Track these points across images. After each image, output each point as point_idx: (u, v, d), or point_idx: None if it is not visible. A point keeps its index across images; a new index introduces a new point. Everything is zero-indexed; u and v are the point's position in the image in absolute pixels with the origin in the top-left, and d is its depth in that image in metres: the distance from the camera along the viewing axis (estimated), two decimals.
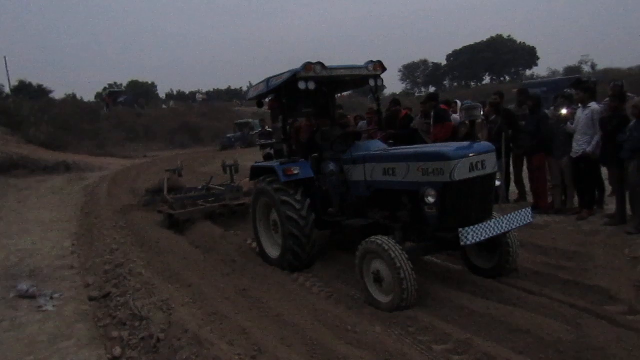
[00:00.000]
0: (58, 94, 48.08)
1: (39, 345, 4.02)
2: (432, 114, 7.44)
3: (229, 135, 30.45)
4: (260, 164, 6.26)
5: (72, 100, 39.43)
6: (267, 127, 17.27)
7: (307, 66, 5.08)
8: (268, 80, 5.71)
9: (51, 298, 5.12)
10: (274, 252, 5.78)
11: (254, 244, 6.44)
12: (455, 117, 7.67)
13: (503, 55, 65.51)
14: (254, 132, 29.88)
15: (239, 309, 4.46)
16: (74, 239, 7.95)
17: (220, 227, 7.80)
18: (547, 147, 6.69)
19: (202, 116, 37.46)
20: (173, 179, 10.13)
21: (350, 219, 5.17)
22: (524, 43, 67.64)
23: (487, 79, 69.86)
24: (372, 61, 5.49)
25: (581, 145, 6.21)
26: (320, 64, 5.14)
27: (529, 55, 67.19)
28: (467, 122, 5.77)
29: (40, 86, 50.50)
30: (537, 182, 7.01)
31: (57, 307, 4.88)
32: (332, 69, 5.28)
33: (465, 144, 4.28)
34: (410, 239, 4.50)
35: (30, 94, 43.34)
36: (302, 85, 5.08)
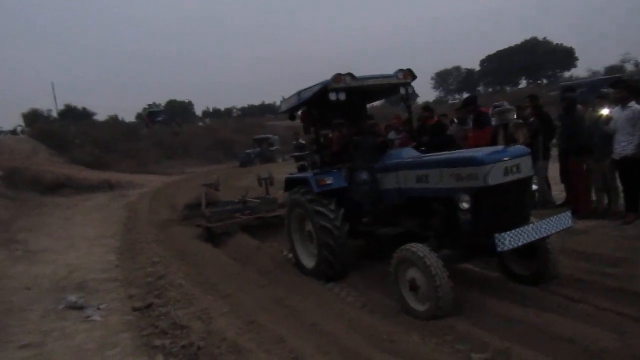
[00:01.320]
0: (101, 116, 50.29)
1: (87, 353, 4.21)
2: (472, 117, 7.30)
3: (247, 151, 29.81)
4: (294, 175, 6.36)
5: (114, 121, 41.25)
6: (300, 140, 17.32)
7: (337, 77, 5.17)
8: (299, 93, 5.84)
9: (98, 309, 5.34)
10: (309, 262, 5.83)
11: (290, 255, 6.51)
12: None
13: (539, 58, 63.79)
14: (273, 148, 29.93)
15: (275, 319, 4.53)
16: (117, 253, 8.27)
17: (256, 239, 7.95)
18: (585, 149, 6.48)
19: (236, 132, 38.34)
20: (210, 194, 10.39)
21: (384, 228, 5.17)
22: (561, 44, 65.72)
23: (523, 83, 68.20)
24: (401, 70, 5.52)
25: (624, 146, 5.98)
26: (350, 74, 5.22)
27: (566, 57, 65.17)
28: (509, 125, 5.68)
29: (84, 109, 53.04)
30: (575, 186, 6.79)
31: (103, 318, 5.10)
32: (361, 79, 5.35)
33: (500, 148, 4.23)
34: (444, 247, 4.42)
35: (75, 116, 45.57)
36: (332, 96, 5.16)
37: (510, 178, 4.00)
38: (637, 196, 6.16)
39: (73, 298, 5.67)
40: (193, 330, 4.15)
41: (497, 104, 8.49)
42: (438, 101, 63.25)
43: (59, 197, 17.02)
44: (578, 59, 64.91)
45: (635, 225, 5.94)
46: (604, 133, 6.24)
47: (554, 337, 3.50)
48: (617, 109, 6.16)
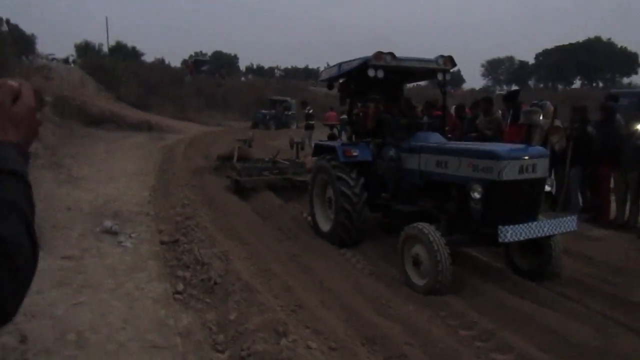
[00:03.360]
0: (148, 57, 51.17)
1: (118, 272, 4.71)
2: (511, 112, 7.32)
3: (263, 111, 27.15)
4: (323, 142, 6.65)
5: (160, 64, 42.02)
6: (308, 109, 16.89)
7: (378, 55, 5.34)
8: (340, 64, 6.03)
9: (130, 237, 5.87)
10: (325, 226, 6.19)
11: (309, 217, 6.88)
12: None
13: (599, 59, 60.77)
14: (289, 113, 27.23)
15: (287, 271, 4.93)
16: (151, 190, 8.81)
17: (281, 199, 8.31)
18: (615, 159, 6.48)
19: (278, 92, 38.47)
20: (243, 149, 10.79)
21: (401, 205, 5.45)
22: (625, 48, 62.35)
23: (577, 83, 65.39)
24: (442, 56, 5.64)
25: None
26: (390, 54, 5.38)
27: (628, 61, 61.87)
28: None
29: (134, 48, 53.99)
30: (600, 195, 6.83)
31: (134, 245, 5.61)
32: (401, 59, 5.49)
33: (520, 146, 4.41)
34: (454, 230, 4.69)
35: (124, 54, 46.57)
36: (371, 72, 5.35)
37: (524, 176, 4.20)
38: None
39: (109, 223, 6.20)
40: (212, 267, 4.58)
41: (539, 102, 8.43)
42: (484, 90, 61.40)
43: (101, 130, 17.78)
44: None
45: None
46: (635, 145, 6.23)
47: (539, 327, 3.75)
48: None
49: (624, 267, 5.13)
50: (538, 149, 4.47)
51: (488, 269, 5.18)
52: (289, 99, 28.96)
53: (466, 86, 66.66)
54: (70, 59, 40.84)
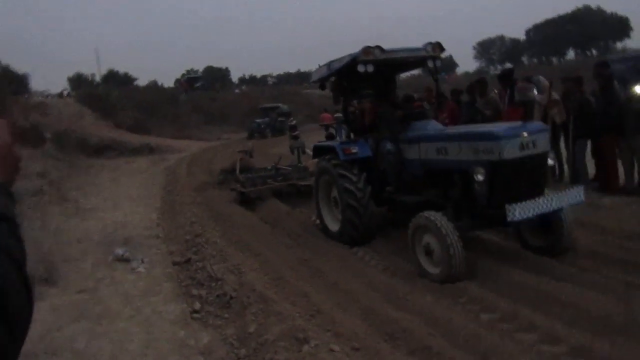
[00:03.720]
0: (142, 81, 51.64)
1: (134, 298, 4.73)
2: (508, 91, 7.24)
3: (258, 120, 26.66)
4: (322, 143, 6.65)
5: (153, 86, 42.32)
6: (291, 120, 16.73)
7: (366, 50, 5.33)
8: (330, 63, 6.04)
9: (142, 261, 5.88)
10: (334, 226, 6.17)
11: (317, 221, 6.86)
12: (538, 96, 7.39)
13: (590, 27, 60.38)
14: (283, 119, 25.67)
15: (300, 276, 4.91)
16: (158, 212, 8.85)
17: (287, 205, 8.30)
18: (617, 127, 6.41)
19: (272, 99, 38.58)
20: (245, 160, 10.81)
21: (406, 196, 5.43)
22: (615, 13, 61.93)
23: (571, 54, 65.05)
24: (430, 43, 5.62)
25: None
26: (378, 47, 5.37)
27: (620, 27, 61.44)
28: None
29: (126, 74, 54.50)
30: (605, 163, 6.76)
31: (146, 269, 5.63)
32: (390, 51, 5.47)
33: (518, 123, 4.36)
34: (461, 215, 4.66)
35: (117, 81, 46.96)
36: (361, 68, 5.33)
37: (526, 153, 4.16)
38: None
39: (120, 251, 6.23)
40: (226, 282, 4.58)
41: (532, 78, 8.35)
42: (478, 72, 61.23)
43: (103, 159, 17.92)
44: (632, 29, 61.04)
45: None
46: (637, 110, 6.17)
47: (561, 302, 3.71)
48: None
49: (637, 232, 5.08)
50: (536, 124, 4.43)
51: (501, 250, 5.13)
52: (280, 104, 28.51)
53: (460, 70, 66.64)
54: (65, 93, 41.23)
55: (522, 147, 4.14)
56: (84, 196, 10.76)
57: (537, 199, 4.11)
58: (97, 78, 47.54)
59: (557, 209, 4.26)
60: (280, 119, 26.45)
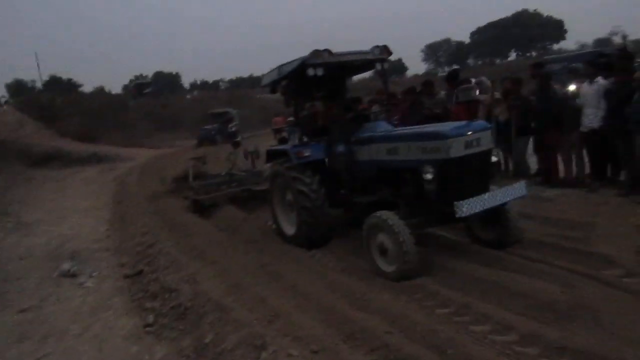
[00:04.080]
0: (87, 88, 49.63)
1: (82, 315, 4.51)
2: (456, 92, 7.45)
3: (207, 127, 24.80)
4: (274, 147, 6.61)
5: (100, 93, 40.77)
6: (231, 126, 15.74)
7: (315, 53, 5.36)
8: (280, 67, 6.00)
9: (90, 276, 5.63)
10: (290, 230, 6.13)
11: (273, 225, 6.80)
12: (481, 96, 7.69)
13: (529, 30, 63.65)
14: (232, 124, 24.60)
15: (258, 282, 4.84)
16: (108, 224, 8.51)
17: (243, 211, 8.18)
18: (557, 123, 6.76)
19: (225, 104, 38.02)
20: (198, 167, 10.57)
21: (360, 197, 5.48)
22: (551, 16, 65.55)
23: (513, 55, 68.14)
24: (377, 46, 5.70)
25: (591, 119, 6.28)
26: (327, 50, 5.41)
27: (556, 29, 65.08)
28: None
29: (70, 80, 52.15)
30: (547, 157, 7.11)
31: (96, 284, 5.39)
32: (339, 54, 5.52)
33: (463, 123, 4.50)
34: (414, 214, 4.74)
35: (61, 88, 44.87)
36: (310, 71, 5.34)
37: (471, 150, 4.31)
38: (602, 166, 6.52)
39: (66, 266, 5.93)
40: (181, 293, 4.45)
41: (476, 79, 8.70)
42: (427, 73, 62.99)
43: (48, 169, 17.06)
44: (567, 31, 64.83)
45: (600, 192, 6.30)
46: (573, 106, 6.52)
47: (511, 292, 3.85)
48: (585, 84, 6.44)
49: (579, 221, 5.37)
50: (480, 123, 4.59)
51: (454, 245, 5.27)
52: (230, 109, 27.14)
53: (410, 72, 68.23)
54: (3, 100, 39.02)
55: (468, 145, 4.29)
56: (27, 210, 10.21)
57: (483, 194, 4.27)
58: (39, 84, 45.24)
59: (502, 204, 4.42)
60: (229, 124, 25.27)
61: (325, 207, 5.60)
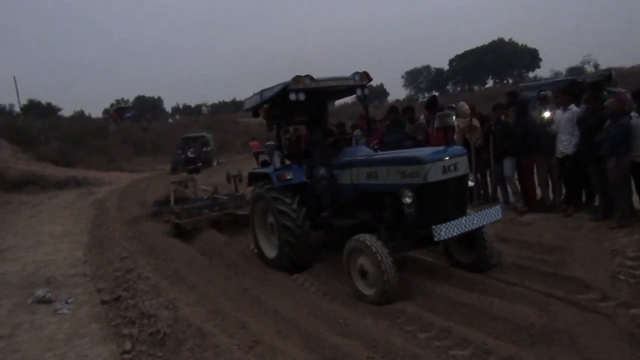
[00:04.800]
0: (67, 111, 48.95)
1: (57, 343, 4.38)
2: (434, 117, 7.61)
3: (180, 152, 22.78)
4: (256, 170, 6.67)
5: (80, 117, 40.30)
6: (191, 151, 15.05)
7: (297, 79, 5.49)
8: (262, 92, 6.12)
9: (66, 302, 5.48)
10: (271, 253, 6.13)
11: (255, 250, 6.76)
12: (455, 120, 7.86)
13: (505, 58, 65.70)
14: (208, 149, 23.88)
15: (239, 307, 4.79)
16: (85, 249, 8.33)
17: (225, 235, 8.13)
18: (535, 148, 6.95)
19: (207, 128, 37.95)
20: (179, 191, 10.49)
21: (341, 220, 5.55)
22: (525, 45, 67.77)
23: (490, 82, 70.04)
24: (358, 72, 5.88)
25: (565, 145, 6.49)
26: (308, 76, 5.54)
27: (531, 57, 67.27)
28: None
29: (49, 104, 51.46)
30: (526, 183, 7.28)
31: (72, 310, 5.25)
32: (320, 80, 5.66)
33: (440, 148, 4.65)
34: (394, 237, 4.83)
35: (39, 112, 44.26)
36: (292, 96, 5.46)
37: (448, 175, 4.44)
38: (577, 190, 6.71)
39: (41, 292, 5.77)
40: (160, 319, 4.37)
41: (455, 104, 8.91)
42: (408, 99, 64.18)
43: (24, 194, 16.68)
44: (541, 60, 67.07)
45: (575, 217, 6.47)
46: (550, 132, 6.73)
47: (491, 316, 3.90)
48: (559, 110, 6.68)
49: (556, 245, 5.49)
50: (457, 148, 4.73)
51: (436, 268, 5.32)
52: (205, 133, 26.26)
53: (391, 98, 69.37)
54: None
55: (445, 170, 4.42)
56: (0, 236, 9.92)
57: (460, 218, 4.37)
58: (17, 108, 44.55)
59: (479, 227, 4.54)
60: (204, 149, 24.33)
61: (306, 227, 5.64)
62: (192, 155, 14.61)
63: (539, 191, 7.32)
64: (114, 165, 26.48)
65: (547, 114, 6.79)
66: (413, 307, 4.32)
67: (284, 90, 5.53)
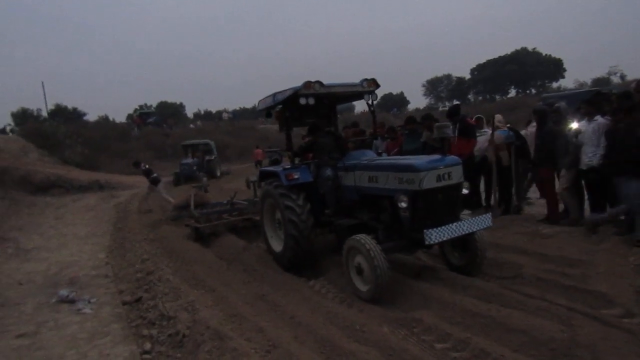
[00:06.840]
0: (92, 116, 50.21)
1: (80, 341, 4.48)
2: (457, 126, 7.64)
3: (185, 161, 20.73)
4: (267, 168, 7.00)
5: (104, 122, 41.26)
6: (143, 165, 14.73)
7: (307, 84, 5.69)
8: (274, 95, 6.34)
9: (89, 302, 5.61)
10: (278, 246, 6.42)
11: (264, 244, 6.99)
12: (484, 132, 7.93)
13: (528, 67, 64.89)
14: (211, 157, 21.99)
15: (257, 312, 4.83)
16: (107, 251, 8.51)
17: (243, 240, 8.20)
18: (555, 159, 6.85)
19: (227, 134, 38.41)
20: (199, 195, 10.66)
21: (342, 219, 5.77)
22: (549, 55, 66.88)
23: (512, 92, 69.24)
24: (366, 79, 6.06)
25: (590, 157, 6.37)
26: (318, 82, 5.75)
27: (555, 68, 66.31)
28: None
29: (75, 109, 52.81)
30: (547, 194, 7.17)
31: (94, 310, 5.36)
32: (329, 86, 5.86)
33: (436, 157, 4.86)
34: (391, 238, 5.05)
35: (65, 116, 45.43)
36: (302, 101, 5.69)
37: (442, 183, 4.68)
38: (601, 204, 6.56)
39: (65, 292, 5.91)
40: (179, 320, 4.43)
41: (481, 115, 8.97)
42: (428, 108, 63.86)
43: (49, 196, 17.13)
44: (566, 70, 66.06)
45: (599, 231, 6.32)
46: (575, 144, 6.60)
47: (509, 328, 3.84)
48: (584, 122, 6.57)
49: (578, 259, 5.37)
50: (452, 158, 4.90)
51: (453, 279, 5.26)
52: (209, 140, 24.10)
53: (411, 107, 69.22)
54: (8, 128, 39.45)
55: (439, 178, 4.64)
56: (27, 236, 10.21)
57: (451, 224, 4.57)
58: (44, 113, 45.82)
59: (468, 233, 4.74)
60: (207, 157, 22.12)
61: (310, 222, 5.88)
62: (146, 168, 13.74)
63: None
64: (135, 169, 26.83)
65: (574, 125, 6.69)
66: (430, 316, 4.29)
67: (295, 95, 5.74)
